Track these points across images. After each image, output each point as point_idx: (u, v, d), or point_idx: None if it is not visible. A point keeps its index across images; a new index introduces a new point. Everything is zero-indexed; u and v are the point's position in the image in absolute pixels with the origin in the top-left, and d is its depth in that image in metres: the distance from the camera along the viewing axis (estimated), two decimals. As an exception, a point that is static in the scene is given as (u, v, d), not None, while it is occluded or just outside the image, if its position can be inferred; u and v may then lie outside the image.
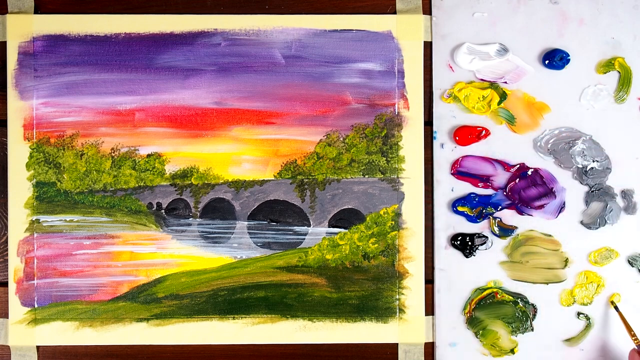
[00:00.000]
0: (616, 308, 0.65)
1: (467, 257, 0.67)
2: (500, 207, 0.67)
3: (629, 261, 0.67)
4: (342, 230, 0.67)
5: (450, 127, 0.67)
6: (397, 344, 0.67)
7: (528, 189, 0.67)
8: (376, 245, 0.67)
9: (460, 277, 0.67)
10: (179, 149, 0.67)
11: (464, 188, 0.67)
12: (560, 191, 0.67)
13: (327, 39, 0.67)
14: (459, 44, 0.67)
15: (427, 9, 0.67)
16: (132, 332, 0.66)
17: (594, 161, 0.67)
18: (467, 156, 0.67)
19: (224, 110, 0.67)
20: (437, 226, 0.67)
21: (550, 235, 0.67)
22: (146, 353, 0.67)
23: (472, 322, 0.67)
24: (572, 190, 0.67)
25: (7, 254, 0.66)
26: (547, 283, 0.67)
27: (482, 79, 0.67)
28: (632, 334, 0.64)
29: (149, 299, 0.66)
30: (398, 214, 0.67)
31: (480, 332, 0.67)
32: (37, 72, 0.66)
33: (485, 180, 0.67)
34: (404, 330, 0.67)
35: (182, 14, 0.66)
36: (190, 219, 0.67)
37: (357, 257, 0.67)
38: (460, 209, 0.67)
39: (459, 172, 0.67)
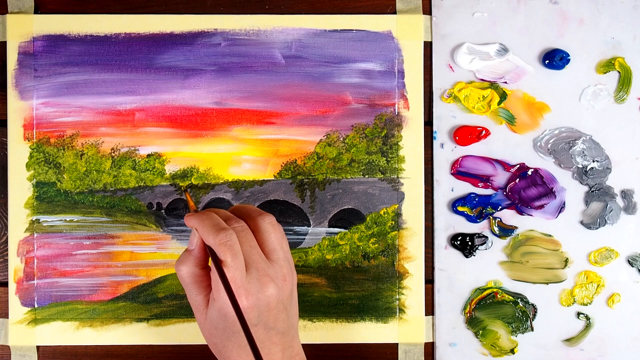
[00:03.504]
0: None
1: (467, 257, 0.67)
2: (500, 207, 0.67)
3: (629, 261, 0.67)
4: (342, 230, 0.67)
5: (450, 127, 0.67)
6: (397, 344, 0.67)
7: (528, 189, 0.67)
8: (376, 245, 0.67)
9: (460, 277, 0.67)
10: (179, 149, 0.67)
11: (464, 188, 0.67)
12: (560, 191, 0.67)
13: (327, 39, 0.67)
14: (459, 44, 0.67)
15: (427, 9, 0.67)
16: (132, 332, 0.66)
17: (594, 161, 0.67)
18: (467, 156, 0.67)
19: (224, 110, 0.67)
20: (437, 226, 0.67)
21: (550, 235, 0.67)
22: (146, 353, 0.67)
23: (472, 322, 0.67)
24: (572, 190, 0.67)
25: (7, 254, 0.66)
26: (547, 283, 0.67)
27: (482, 79, 0.67)
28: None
29: (149, 299, 0.66)
30: (398, 214, 0.67)
31: (480, 332, 0.67)
32: (37, 72, 0.66)
33: (485, 180, 0.67)
34: (404, 330, 0.67)
35: (182, 14, 0.67)
36: (190, 219, 0.67)
37: (357, 257, 0.67)
38: (460, 209, 0.67)
39: (459, 172, 0.67)
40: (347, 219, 0.67)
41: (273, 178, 0.67)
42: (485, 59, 0.67)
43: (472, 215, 0.67)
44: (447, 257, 0.67)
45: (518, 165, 0.67)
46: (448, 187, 0.67)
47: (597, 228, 0.67)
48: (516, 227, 0.67)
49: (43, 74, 0.66)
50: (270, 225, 0.51)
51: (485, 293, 0.67)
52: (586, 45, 0.67)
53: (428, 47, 0.67)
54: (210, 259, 0.50)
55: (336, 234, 0.67)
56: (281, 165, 0.67)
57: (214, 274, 0.48)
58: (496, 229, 0.67)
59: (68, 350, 0.67)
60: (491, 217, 0.67)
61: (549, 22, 0.67)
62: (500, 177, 0.67)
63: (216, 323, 0.50)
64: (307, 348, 0.67)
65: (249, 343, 0.45)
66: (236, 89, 0.67)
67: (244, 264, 0.48)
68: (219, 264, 0.48)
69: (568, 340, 0.68)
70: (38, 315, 0.66)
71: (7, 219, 0.66)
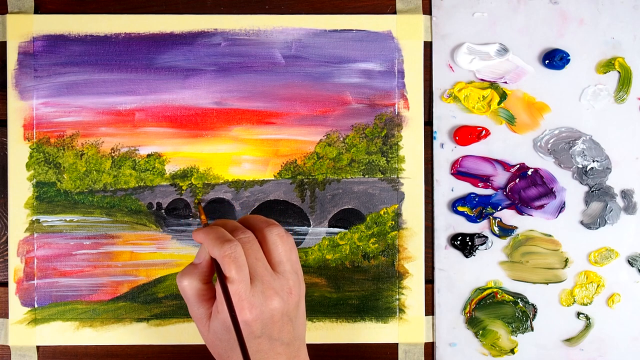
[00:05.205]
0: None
1: (467, 257, 0.67)
2: (500, 207, 0.67)
3: (629, 261, 0.67)
4: (342, 230, 0.67)
5: (450, 127, 0.67)
6: (397, 344, 0.67)
7: (528, 189, 0.67)
8: (376, 245, 0.67)
9: (460, 277, 0.67)
10: (179, 149, 0.67)
11: (464, 188, 0.67)
12: (560, 191, 0.67)
13: (327, 39, 0.67)
14: (459, 44, 0.67)
15: (427, 9, 0.67)
16: (132, 332, 0.66)
17: (594, 161, 0.67)
18: (467, 156, 0.67)
19: (224, 110, 0.67)
20: (437, 226, 0.67)
21: (550, 235, 0.67)
22: (146, 353, 0.67)
23: (472, 322, 0.67)
24: (572, 190, 0.67)
25: (7, 254, 0.66)
26: (547, 283, 0.67)
27: (482, 79, 0.67)
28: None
29: (149, 299, 0.66)
30: (398, 214, 0.67)
31: (480, 332, 0.67)
32: (37, 72, 0.66)
33: (485, 180, 0.67)
34: (404, 330, 0.67)
35: (182, 14, 0.67)
36: (190, 219, 0.67)
37: (357, 257, 0.67)
38: (460, 209, 0.67)
39: (459, 172, 0.67)
40: (347, 219, 0.67)
41: (273, 178, 0.67)
42: (485, 59, 0.67)
43: (472, 215, 0.67)
44: (447, 257, 0.67)
45: (518, 165, 0.67)
46: (448, 187, 0.67)
47: (597, 228, 0.67)
48: (516, 227, 0.67)
49: (43, 74, 0.66)
50: (277, 237, 0.51)
51: (485, 293, 0.67)
52: (586, 45, 0.67)
53: (428, 47, 0.67)
54: (215, 273, 0.50)
55: (336, 234, 0.67)
56: (281, 165, 0.67)
57: (219, 287, 0.48)
58: (496, 229, 0.67)
59: (68, 350, 0.67)
60: (491, 217, 0.67)
61: (549, 22, 0.67)
62: (500, 177, 0.67)
63: (220, 335, 0.49)
64: (308, 348, 0.67)
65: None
66: (236, 89, 0.67)
67: (248, 277, 0.48)
68: (223, 277, 0.48)
69: (568, 340, 0.68)
70: (38, 315, 0.66)
71: (7, 219, 0.66)
